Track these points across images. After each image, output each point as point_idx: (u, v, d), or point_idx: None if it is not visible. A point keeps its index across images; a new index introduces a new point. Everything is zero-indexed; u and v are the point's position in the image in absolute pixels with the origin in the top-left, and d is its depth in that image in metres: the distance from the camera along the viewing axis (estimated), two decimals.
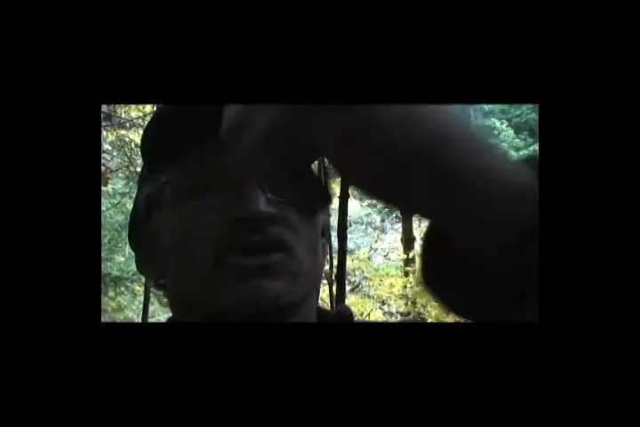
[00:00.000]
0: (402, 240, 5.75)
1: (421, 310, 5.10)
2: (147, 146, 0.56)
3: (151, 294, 4.26)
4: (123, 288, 6.82)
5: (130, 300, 7.60)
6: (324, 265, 0.55)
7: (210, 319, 0.49)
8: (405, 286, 5.30)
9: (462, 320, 0.38)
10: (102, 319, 0.43)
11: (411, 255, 5.37)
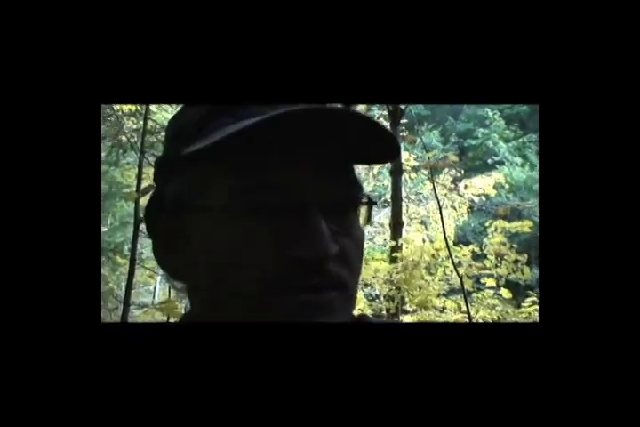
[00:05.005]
0: (390, 225, 5.70)
1: (404, 295, 5.10)
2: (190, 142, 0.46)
3: (136, 267, 4.19)
4: (104, 259, 6.70)
5: (110, 271, 7.48)
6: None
7: None
8: (390, 272, 5.26)
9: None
10: None
11: (400, 242, 5.31)
